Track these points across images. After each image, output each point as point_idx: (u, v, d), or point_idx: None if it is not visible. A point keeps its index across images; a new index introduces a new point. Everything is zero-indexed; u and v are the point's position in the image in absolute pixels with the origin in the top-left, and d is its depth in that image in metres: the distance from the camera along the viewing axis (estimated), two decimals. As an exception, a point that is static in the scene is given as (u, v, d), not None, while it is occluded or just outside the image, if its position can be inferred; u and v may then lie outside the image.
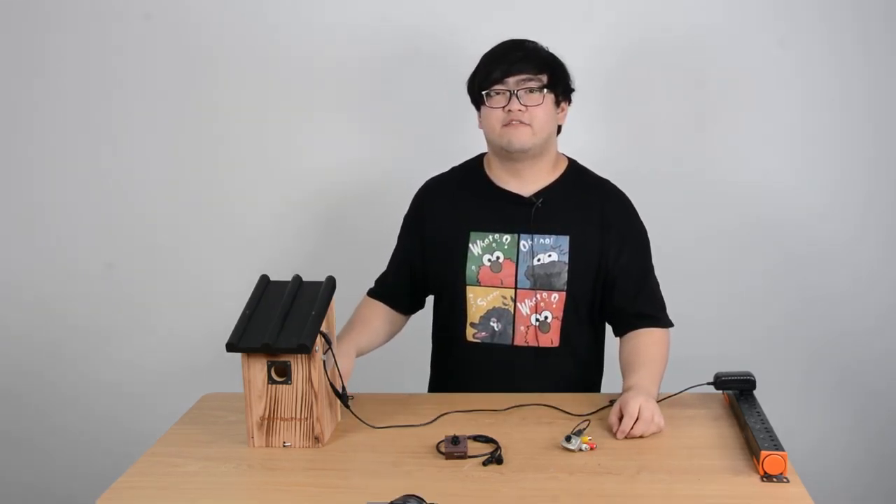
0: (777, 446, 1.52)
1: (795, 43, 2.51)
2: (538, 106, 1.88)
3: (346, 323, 2.04)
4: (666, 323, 1.99)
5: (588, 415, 1.77)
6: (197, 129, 2.66)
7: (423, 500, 1.34)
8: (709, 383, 1.81)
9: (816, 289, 2.63)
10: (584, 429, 1.67)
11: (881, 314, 2.64)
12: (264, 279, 1.77)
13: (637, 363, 1.88)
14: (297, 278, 1.77)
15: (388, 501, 1.34)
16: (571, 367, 1.98)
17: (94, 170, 2.70)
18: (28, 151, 2.71)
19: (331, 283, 1.74)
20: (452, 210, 2.01)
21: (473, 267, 1.96)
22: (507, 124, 1.88)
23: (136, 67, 2.63)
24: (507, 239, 1.95)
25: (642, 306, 1.97)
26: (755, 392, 1.80)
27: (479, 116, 1.96)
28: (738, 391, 1.80)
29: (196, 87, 2.63)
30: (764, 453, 1.50)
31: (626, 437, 1.67)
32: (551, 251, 1.94)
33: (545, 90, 1.89)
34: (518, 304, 1.95)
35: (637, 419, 1.67)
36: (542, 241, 1.95)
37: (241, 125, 2.64)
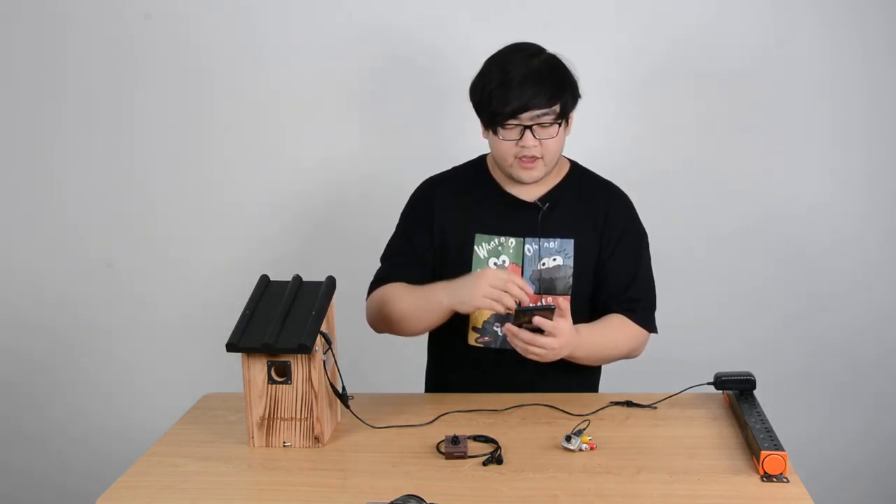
0: (777, 446, 1.52)
1: (795, 43, 2.51)
2: (552, 139, 1.84)
3: (390, 298, 1.91)
4: (645, 323, 1.95)
5: (588, 415, 1.77)
6: (197, 129, 2.66)
7: (423, 500, 1.34)
8: (709, 383, 1.81)
9: (817, 289, 2.64)
10: (584, 429, 1.67)
11: (881, 314, 2.64)
12: (264, 279, 1.77)
13: (594, 323, 1.90)
14: (297, 278, 1.77)
15: (388, 501, 1.33)
16: (574, 370, 1.94)
17: (93, 169, 2.70)
18: (27, 151, 2.71)
19: (331, 283, 1.74)
20: (458, 211, 1.97)
21: (479, 270, 1.92)
22: (519, 158, 1.85)
23: (136, 67, 2.63)
24: (512, 242, 1.93)
25: (627, 304, 1.94)
26: (755, 392, 1.79)
27: (484, 128, 1.89)
28: (738, 391, 1.80)
29: (196, 87, 2.63)
30: (764, 453, 1.50)
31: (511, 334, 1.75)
32: (556, 255, 1.93)
33: (559, 123, 1.84)
34: None
35: (546, 339, 1.73)
36: (547, 244, 1.93)
37: (242, 125, 2.65)
